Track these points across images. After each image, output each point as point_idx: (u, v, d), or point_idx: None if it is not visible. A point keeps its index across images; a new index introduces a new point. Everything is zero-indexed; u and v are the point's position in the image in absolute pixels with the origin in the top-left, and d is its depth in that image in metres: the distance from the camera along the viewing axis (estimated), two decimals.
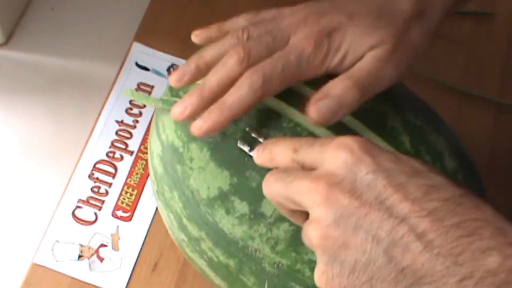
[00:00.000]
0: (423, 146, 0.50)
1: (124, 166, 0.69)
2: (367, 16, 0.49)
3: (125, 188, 0.68)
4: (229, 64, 0.47)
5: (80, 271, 0.63)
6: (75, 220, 0.66)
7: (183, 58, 0.75)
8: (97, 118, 0.71)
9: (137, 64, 0.75)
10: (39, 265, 0.63)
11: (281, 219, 0.47)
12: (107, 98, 0.72)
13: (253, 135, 0.48)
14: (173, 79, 0.49)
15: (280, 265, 0.48)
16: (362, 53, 0.48)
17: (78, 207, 0.66)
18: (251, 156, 0.47)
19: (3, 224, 0.66)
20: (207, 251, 0.51)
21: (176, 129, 0.50)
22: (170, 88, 0.53)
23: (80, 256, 0.64)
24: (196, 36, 0.53)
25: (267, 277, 0.49)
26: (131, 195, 0.68)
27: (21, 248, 0.65)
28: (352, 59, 0.48)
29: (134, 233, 0.66)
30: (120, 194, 0.67)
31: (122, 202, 0.67)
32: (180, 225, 0.52)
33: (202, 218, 0.50)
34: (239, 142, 0.48)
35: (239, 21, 0.53)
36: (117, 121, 0.71)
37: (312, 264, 0.48)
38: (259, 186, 0.47)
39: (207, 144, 0.49)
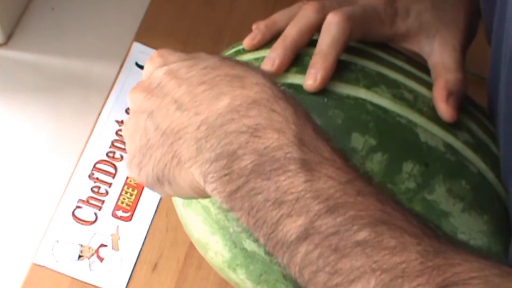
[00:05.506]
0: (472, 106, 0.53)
1: (124, 166, 0.69)
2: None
3: (125, 188, 0.68)
4: (307, 14, 0.50)
5: (80, 271, 0.63)
6: (75, 220, 0.66)
7: None
8: (97, 118, 0.71)
9: (137, 64, 0.75)
10: (39, 265, 0.63)
11: (373, 149, 0.46)
12: (107, 98, 0.72)
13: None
14: (246, 41, 0.52)
15: None
16: (433, 33, 0.52)
17: (78, 207, 0.66)
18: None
19: (3, 224, 0.66)
20: None
21: None
22: None
23: (80, 256, 0.64)
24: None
25: None
26: (131, 195, 0.68)
27: (21, 248, 0.65)
28: (424, 34, 0.52)
29: (134, 233, 0.66)
30: (120, 194, 0.67)
31: (122, 202, 0.67)
32: None
33: None
34: None
35: None
36: (117, 121, 0.71)
37: (409, 194, 0.45)
38: (345, 122, 0.47)
39: None
